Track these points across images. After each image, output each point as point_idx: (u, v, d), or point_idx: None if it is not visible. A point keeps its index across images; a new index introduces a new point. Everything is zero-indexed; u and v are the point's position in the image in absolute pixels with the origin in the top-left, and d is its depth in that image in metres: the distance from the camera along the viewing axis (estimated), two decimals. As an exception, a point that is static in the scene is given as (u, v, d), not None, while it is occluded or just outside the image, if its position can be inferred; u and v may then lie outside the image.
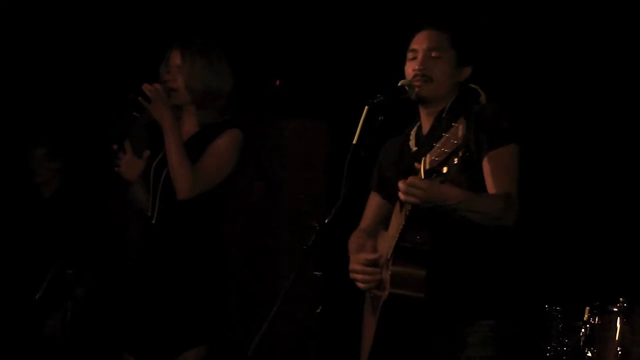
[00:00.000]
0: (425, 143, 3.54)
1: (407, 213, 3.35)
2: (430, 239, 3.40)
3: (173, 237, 4.11)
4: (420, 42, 3.59)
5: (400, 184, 3.27)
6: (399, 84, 3.54)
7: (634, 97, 5.30)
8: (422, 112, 3.67)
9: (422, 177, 3.19)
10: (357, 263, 3.61)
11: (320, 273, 3.91)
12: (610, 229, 5.22)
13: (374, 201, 3.89)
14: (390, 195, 3.74)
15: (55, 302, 5.21)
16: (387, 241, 3.61)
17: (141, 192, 4.25)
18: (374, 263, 3.59)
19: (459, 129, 3.08)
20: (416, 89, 3.54)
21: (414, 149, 3.65)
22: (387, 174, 3.76)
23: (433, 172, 3.16)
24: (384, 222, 3.82)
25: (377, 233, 3.83)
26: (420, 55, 3.56)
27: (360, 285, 3.61)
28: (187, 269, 4.07)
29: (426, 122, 3.66)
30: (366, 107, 3.42)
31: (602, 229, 5.23)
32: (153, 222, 4.17)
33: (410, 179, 3.24)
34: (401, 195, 3.28)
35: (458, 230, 3.43)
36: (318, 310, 3.88)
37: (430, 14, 5.19)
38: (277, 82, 6.39)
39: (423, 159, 3.20)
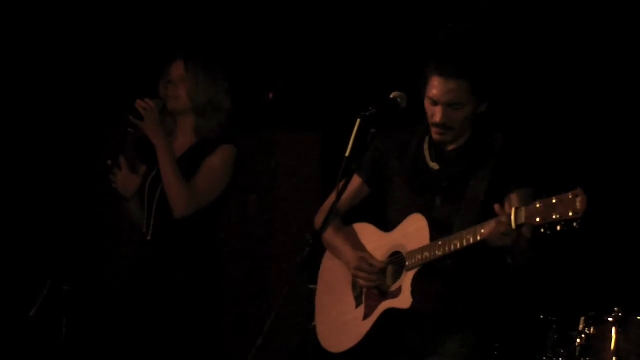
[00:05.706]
0: (454, 165, 3.57)
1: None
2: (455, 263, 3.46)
3: (168, 253, 4.11)
4: (440, 94, 3.50)
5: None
6: (391, 96, 3.52)
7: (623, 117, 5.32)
8: None
9: (513, 226, 3.22)
10: (364, 263, 3.60)
11: (315, 286, 3.90)
12: (605, 239, 5.22)
13: (357, 185, 3.79)
14: (380, 188, 3.74)
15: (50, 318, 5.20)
16: (385, 246, 3.62)
17: (136, 208, 4.25)
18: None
19: (578, 201, 3.13)
20: (435, 137, 3.56)
21: (433, 165, 3.62)
22: (388, 172, 3.73)
23: (523, 227, 3.22)
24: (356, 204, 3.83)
25: (344, 213, 3.84)
26: (440, 109, 3.51)
27: (362, 283, 3.61)
28: (181, 284, 4.07)
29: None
30: (359, 120, 3.42)
31: (597, 240, 5.23)
32: (148, 238, 4.17)
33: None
34: None
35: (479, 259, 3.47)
36: (313, 324, 3.87)
37: (419, 24, 5.19)
38: (270, 95, 6.39)
39: (515, 209, 3.22)
